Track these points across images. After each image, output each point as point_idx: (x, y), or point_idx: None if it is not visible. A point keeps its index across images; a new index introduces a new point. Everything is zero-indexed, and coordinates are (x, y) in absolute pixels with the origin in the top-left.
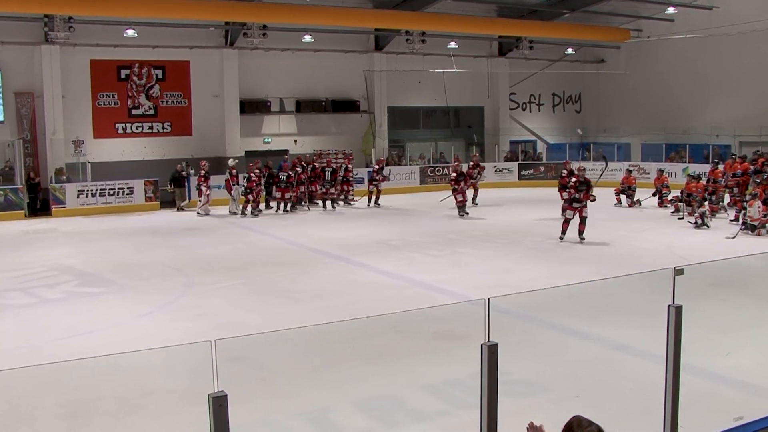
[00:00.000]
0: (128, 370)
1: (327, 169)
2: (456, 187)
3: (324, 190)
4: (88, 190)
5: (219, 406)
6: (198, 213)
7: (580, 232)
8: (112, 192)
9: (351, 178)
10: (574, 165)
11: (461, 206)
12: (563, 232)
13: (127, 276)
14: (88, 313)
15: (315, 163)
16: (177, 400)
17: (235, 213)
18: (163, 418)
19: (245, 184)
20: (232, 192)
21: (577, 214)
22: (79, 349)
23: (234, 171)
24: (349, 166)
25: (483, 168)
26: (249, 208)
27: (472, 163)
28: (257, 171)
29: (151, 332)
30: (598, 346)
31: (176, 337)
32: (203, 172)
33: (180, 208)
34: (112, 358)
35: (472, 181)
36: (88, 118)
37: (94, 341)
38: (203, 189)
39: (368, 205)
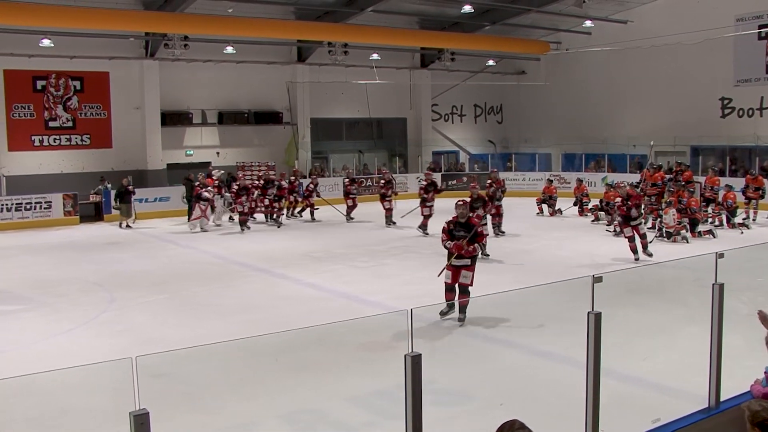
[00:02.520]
0: (44, 390)
1: (303, 181)
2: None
3: (302, 201)
4: (3, 205)
5: (140, 423)
6: (199, 230)
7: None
8: (29, 206)
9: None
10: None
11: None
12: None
13: (46, 292)
14: (4, 332)
15: (282, 181)
16: (97, 419)
17: (219, 225)
18: None
19: (275, 192)
20: (216, 203)
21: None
22: None
23: (218, 182)
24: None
25: (501, 183)
26: (276, 216)
27: (489, 181)
28: (292, 179)
29: (71, 350)
30: (521, 354)
31: (97, 355)
32: (202, 184)
33: (128, 226)
34: (26, 378)
35: (497, 203)
36: (1, 130)
37: (9, 361)
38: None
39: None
